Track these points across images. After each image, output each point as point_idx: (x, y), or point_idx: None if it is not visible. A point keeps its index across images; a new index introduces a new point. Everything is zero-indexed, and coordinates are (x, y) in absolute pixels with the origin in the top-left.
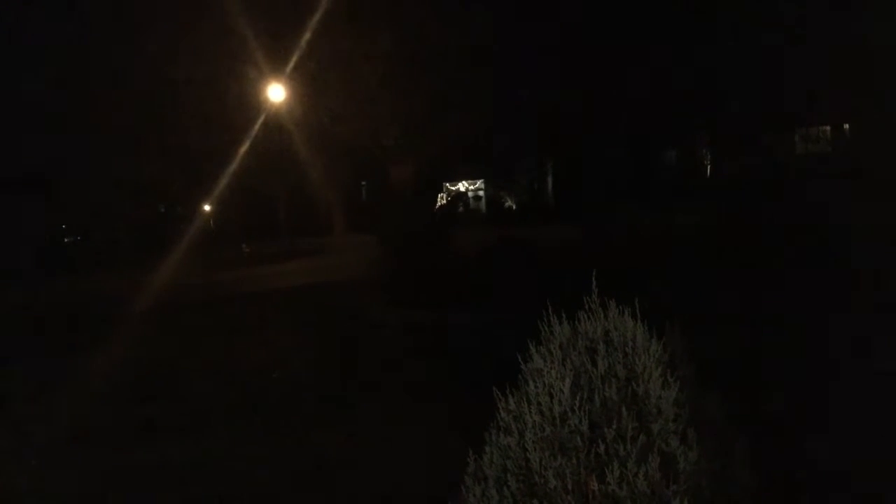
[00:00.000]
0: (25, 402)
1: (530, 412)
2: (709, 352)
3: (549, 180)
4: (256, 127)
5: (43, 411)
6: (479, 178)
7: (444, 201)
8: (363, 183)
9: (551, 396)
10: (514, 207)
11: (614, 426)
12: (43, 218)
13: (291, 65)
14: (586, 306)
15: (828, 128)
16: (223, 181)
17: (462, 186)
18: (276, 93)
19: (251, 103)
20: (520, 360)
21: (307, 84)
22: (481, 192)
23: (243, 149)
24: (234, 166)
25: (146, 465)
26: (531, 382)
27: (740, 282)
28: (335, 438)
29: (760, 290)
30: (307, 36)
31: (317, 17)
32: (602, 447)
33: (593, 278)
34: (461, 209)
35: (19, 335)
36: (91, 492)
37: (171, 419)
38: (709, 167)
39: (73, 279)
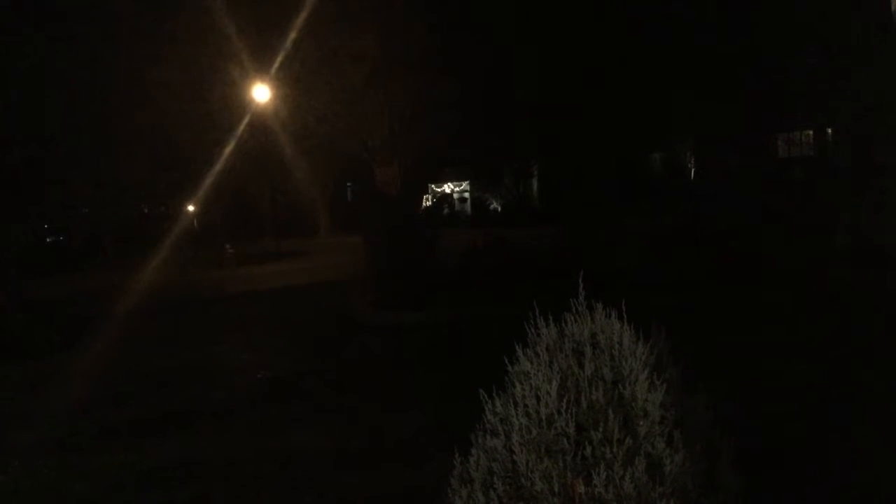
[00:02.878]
0: (3, 404)
1: (517, 414)
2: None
3: (535, 182)
4: (241, 127)
5: (22, 412)
6: (464, 180)
7: (430, 203)
8: (348, 184)
9: (538, 399)
10: (499, 209)
11: (601, 429)
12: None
13: (276, 65)
14: (573, 308)
15: (811, 132)
16: (207, 181)
17: (447, 188)
18: (260, 93)
19: (236, 103)
20: (506, 362)
21: (292, 84)
22: (466, 194)
23: (228, 149)
24: (218, 166)
25: (127, 466)
26: (518, 385)
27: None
28: (321, 438)
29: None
30: (292, 36)
31: (302, 17)
32: (589, 450)
33: (580, 280)
34: (446, 211)
35: None
36: (74, 493)
37: (156, 420)
38: (692, 170)
39: (54, 279)
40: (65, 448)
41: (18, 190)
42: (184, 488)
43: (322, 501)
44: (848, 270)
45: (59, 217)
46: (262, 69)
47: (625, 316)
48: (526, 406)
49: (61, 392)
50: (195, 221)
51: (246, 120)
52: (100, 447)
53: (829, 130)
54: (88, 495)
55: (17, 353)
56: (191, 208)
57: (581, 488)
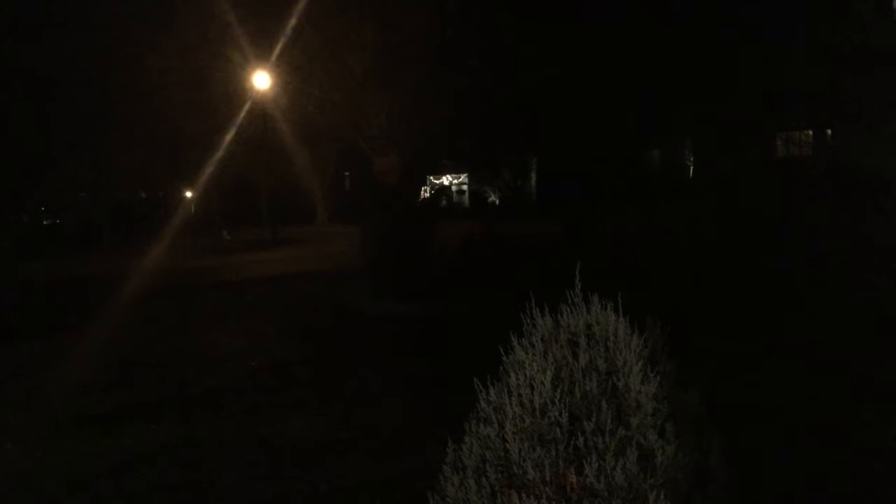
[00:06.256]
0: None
1: (511, 403)
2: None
3: (533, 177)
4: (241, 114)
5: (17, 394)
6: (462, 173)
7: (428, 194)
8: (346, 173)
9: (532, 388)
10: (496, 202)
11: (594, 419)
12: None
13: (277, 53)
14: (569, 300)
15: (810, 132)
16: (206, 168)
17: (446, 180)
18: (261, 80)
19: (236, 90)
20: (501, 351)
21: (293, 72)
22: (465, 187)
23: (227, 136)
24: (217, 153)
25: (122, 450)
26: (512, 374)
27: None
28: (314, 426)
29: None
30: (293, 24)
31: (302, 5)
32: (581, 440)
33: (577, 272)
34: (444, 202)
35: None
36: (67, 476)
37: (150, 405)
38: (691, 168)
39: (50, 262)
40: (59, 430)
41: (18, 173)
42: (177, 473)
43: (316, 489)
44: (843, 272)
45: (57, 200)
46: (262, 57)
47: (620, 308)
48: (520, 395)
49: (56, 375)
50: (193, 207)
51: (246, 107)
52: (94, 430)
53: (829, 131)
54: (82, 478)
55: (12, 335)
56: (189, 194)
57: (573, 478)
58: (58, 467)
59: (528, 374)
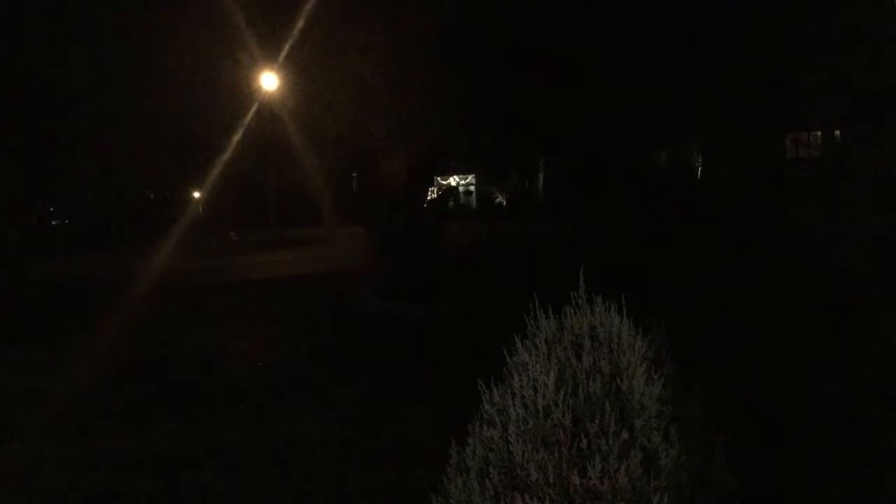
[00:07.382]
0: (4, 386)
1: (514, 405)
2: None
3: (540, 178)
4: (248, 115)
5: (23, 395)
6: (470, 174)
7: (435, 195)
8: (354, 174)
9: (535, 390)
10: (504, 204)
11: (597, 421)
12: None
13: (284, 53)
14: (573, 301)
15: (819, 133)
16: (213, 169)
17: (453, 181)
18: (268, 81)
19: (243, 91)
20: (505, 353)
21: (300, 73)
22: (472, 188)
23: (234, 137)
24: (224, 154)
25: (128, 449)
26: (516, 376)
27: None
28: (319, 427)
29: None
30: (301, 24)
31: (311, 6)
32: (584, 442)
33: (580, 274)
34: (451, 204)
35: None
36: (73, 475)
37: (155, 405)
38: (699, 169)
39: (57, 263)
40: (64, 431)
41: (28, 174)
42: (181, 475)
43: (320, 490)
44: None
45: (66, 201)
46: (270, 57)
47: (624, 310)
48: (523, 397)
49: (63, 374)
50: (201, 208)
51: (254, 108)
52: (99, 431)
53: (837, 132)
54: (88, 477)
55: (18, 335)
56: (196, 195)
57: (576, 480)
58: (64, 466)
59: (531, 375)
